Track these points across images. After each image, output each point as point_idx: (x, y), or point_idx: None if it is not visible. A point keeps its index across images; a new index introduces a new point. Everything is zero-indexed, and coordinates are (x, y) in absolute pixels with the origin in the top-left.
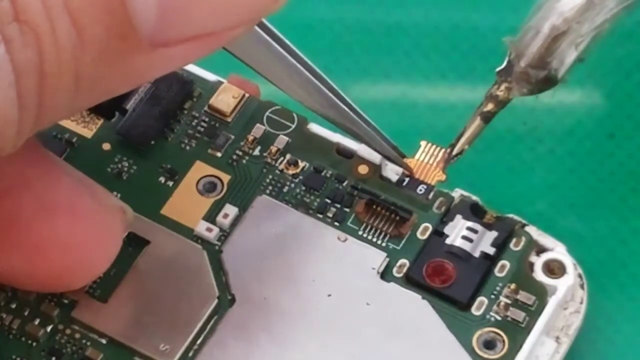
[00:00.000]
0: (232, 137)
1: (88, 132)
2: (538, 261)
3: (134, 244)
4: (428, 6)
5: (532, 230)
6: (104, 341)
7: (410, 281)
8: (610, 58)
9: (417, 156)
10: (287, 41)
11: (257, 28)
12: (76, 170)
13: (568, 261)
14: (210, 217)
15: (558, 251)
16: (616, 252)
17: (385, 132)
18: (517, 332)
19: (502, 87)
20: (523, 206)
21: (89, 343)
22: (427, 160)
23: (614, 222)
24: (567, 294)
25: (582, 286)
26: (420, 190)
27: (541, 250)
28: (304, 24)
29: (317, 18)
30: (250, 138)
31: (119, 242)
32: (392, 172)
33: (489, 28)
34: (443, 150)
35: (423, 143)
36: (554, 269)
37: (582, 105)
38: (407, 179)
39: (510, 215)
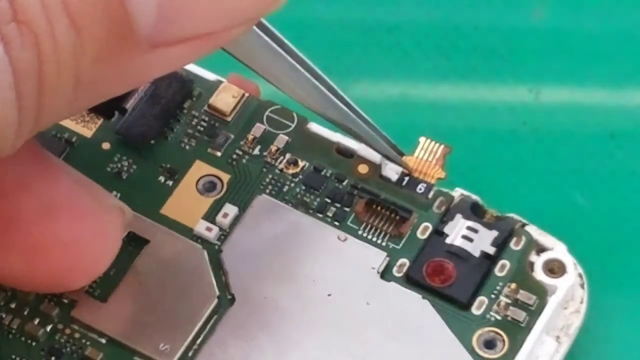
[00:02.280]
0: (232, 136)
1: (88, 132)
2: (538, 260)
3: (134, 243)
4: (428, 6)
5: (532, 229)
6: (103, 341)
7: (410, 281)
8: (611, 58)
9: (416, 153)
10: (285, 40)
11: (255, 28)
12: (75, 170)
13: (568, 260)
14: (210, 216)
15: (558, 250)
16: (616, 252)
17: (386, 132)
18: (518, 332)
19: None
20: (523, 206)
21: (88, 343)
22: (426, 157)
23: (614, 221)
24: (567, 294)
25: (582, 286)
26: (420, 189)
27: (541, 249)
28: (304, 23)
29: (317, 18)
30: (250, 137)
31: (118, 242)
32: (392, 171)
33: (489, 28)
34: (442, 146)
35: (422, 139)
36: (554, 268)
37: (582, 105)
38: (407, 178)
39: (511, 215)
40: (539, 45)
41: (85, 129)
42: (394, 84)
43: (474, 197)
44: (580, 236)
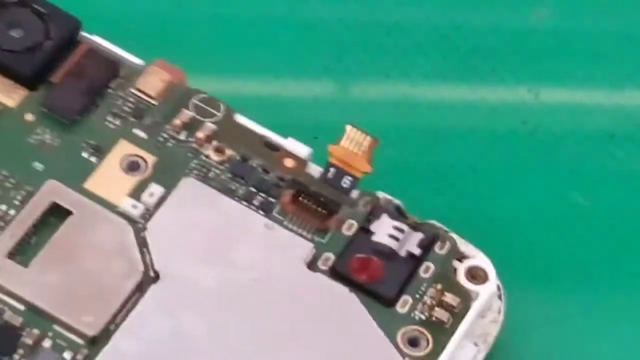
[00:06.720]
0: (158, 119)
1: (11, 102)
2: (461, 267)
3: (56, 213)
4: (428, 6)
5: (454, 237)
6: (22, 307)
7: (336, 275)
8: (611, 58)
9: (342, 142)
10: None
11: None
12: None
13: (490, 269)
14: (135, 194)
15: (480, 258)
16: (616, 252)
17: (385, 132)
18: (441, 333)
19: None
20: (523, 206)
21: (7, 307)
22: (352, 148)
23: (614, 221)
24: (485, 304)
25: (499, 297)
26: (345, 183)
27: (464, 257)
28: (304, 23)
29: (317, 18)
30: (177, 122)
31: None
32: (316, 171)
33: (489, 28)
34: (368, 138)
35: (348, 128)
36: (477, 275)
37: (582, 105)
38: (332, 169)
39: (432, 222)
40: (539, 45)
41: (9, 98)
42: (394, 84)
43: (396, 201)
44: (580, 236)
